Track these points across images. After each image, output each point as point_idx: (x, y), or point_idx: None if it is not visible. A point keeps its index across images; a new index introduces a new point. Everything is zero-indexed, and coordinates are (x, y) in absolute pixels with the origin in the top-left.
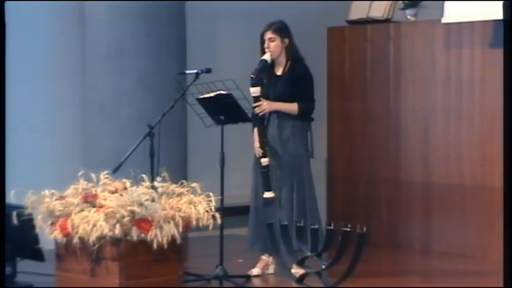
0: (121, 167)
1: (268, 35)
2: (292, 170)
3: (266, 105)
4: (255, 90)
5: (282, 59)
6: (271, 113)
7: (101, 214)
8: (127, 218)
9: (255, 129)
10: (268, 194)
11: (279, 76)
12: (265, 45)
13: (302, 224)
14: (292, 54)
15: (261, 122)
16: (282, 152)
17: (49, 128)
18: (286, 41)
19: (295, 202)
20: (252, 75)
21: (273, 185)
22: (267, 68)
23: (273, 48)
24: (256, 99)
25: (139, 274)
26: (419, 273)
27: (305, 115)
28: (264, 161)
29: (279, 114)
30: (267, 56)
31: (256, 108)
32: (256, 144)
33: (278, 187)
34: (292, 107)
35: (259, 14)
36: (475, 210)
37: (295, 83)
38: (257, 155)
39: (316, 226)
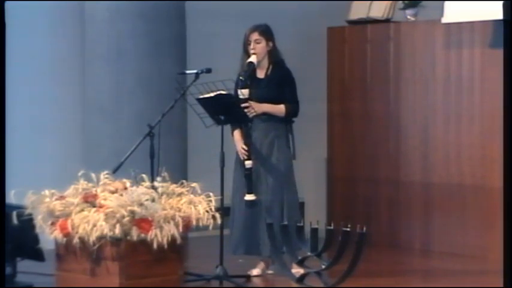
0: (121, 167)
1: (255, 36)
2: (280, 173)
3: (255, 107)
4: (245, 92)
5: (265, 62)
6: (255, 116)
7: (101, 214)
8: (127, 218)
9: (236, 132)
10: (249, 197)
11: (262, 79)
12: (251, 47)
13: (301, 225)
14: (275, 57)
15: (247, 124)
16: (269, 155)
17: (49, 128)
18: (271, 44)
19: (287, 204)
20: (241, 77)
21: (260, 188)
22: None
23: (259, 50)
24: (245, 101)
25: (139, 274)
26: (419, 273)
27: (291, 117)
28: (248, 163)
29: (264, 117)
30: (253, 58)
31: (245, 110)
32: (240, 146)
33: (266, 190)
34: (280, 109)
35: (259, 14)
36: (475, 210)
37: (278, 85)
38: (242, 157)
39: (316, 226)
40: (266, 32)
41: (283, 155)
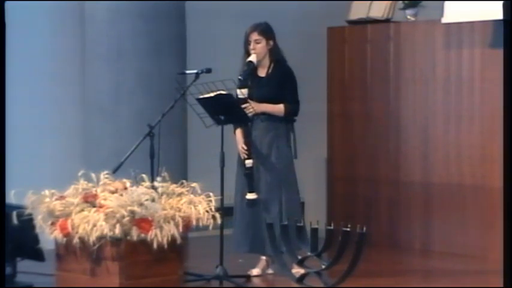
0: (121, 167)
1: (254, 36)
2: (279, 172)
3: (254, 107)
4: (244, 92)
5: (266, 61)
6: (255, 115)
7: (101, 214)
8: (127, 218)
9: (237, 131)
10: (250, 196)
11: (263, 78)
12: (251, 47)
13: (301, 224)
14: (276, 56)
15: (247, 123)
16: (268, 155)
17: (49, 128)
18: (271, 42)
19: (285, 203)
20: (239, 77)
21: (259, 187)
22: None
23: (259, 49)
24: (243, 100)
25: (139, 274)
26: (419, 273)
27: (291, 116)
28: (248, 162)
29: (264, 116)
30: (253, 58)
31: (244, 109)
32: (240, 145)
33: (265, 189)
34: (279, 109)
35: (259, 15)
36: (475, 210)
37: (279, 84)
38: (242, 157)
39: (316, 226)
40: (266, 31)
41: (282, 154)
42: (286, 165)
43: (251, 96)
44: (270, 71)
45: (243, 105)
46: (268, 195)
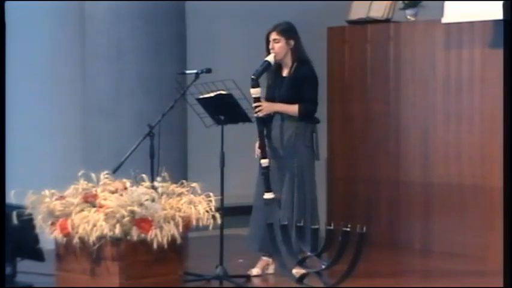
0: (121, 167)
1: (273, 36)
2: (293, 171)
3: (265, 106)
4: (255, 91)
5: (288, 60)
6: (275, 114)
7: (101, 214)
8: (127, 218)
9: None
10: (268, 195)
11: (284, 77)
12: (270, 46)
13: (301, 225)
14: (298, 55)
15: (261, 123)
16: (284, 153)
17: (49, 128)
18: (292, 42)
19: (295, 203)
20: (252, 76)
21: (274, 186)
22: (270, 69)
23: (277, 49)
24: (256, 100)
25: (139, 274)
26: (419, 273)
27: (306, 117)
28: (264, 162)
29: (283, 115)
30: (270, 58)
31: (256, 109)
32: (256, 145)
33: (279, 188)
34: (293, 109)
35: (259, 14)
36: (475, 210)
37: (299, 84)
38: (255, 156)
39: (317, 226)
40: (285, 31)
41: (299, 154)
42: (302, 165)
43: (273, 96)
44: (292, 71)
45: (255, 105)
46: (283, 195)
